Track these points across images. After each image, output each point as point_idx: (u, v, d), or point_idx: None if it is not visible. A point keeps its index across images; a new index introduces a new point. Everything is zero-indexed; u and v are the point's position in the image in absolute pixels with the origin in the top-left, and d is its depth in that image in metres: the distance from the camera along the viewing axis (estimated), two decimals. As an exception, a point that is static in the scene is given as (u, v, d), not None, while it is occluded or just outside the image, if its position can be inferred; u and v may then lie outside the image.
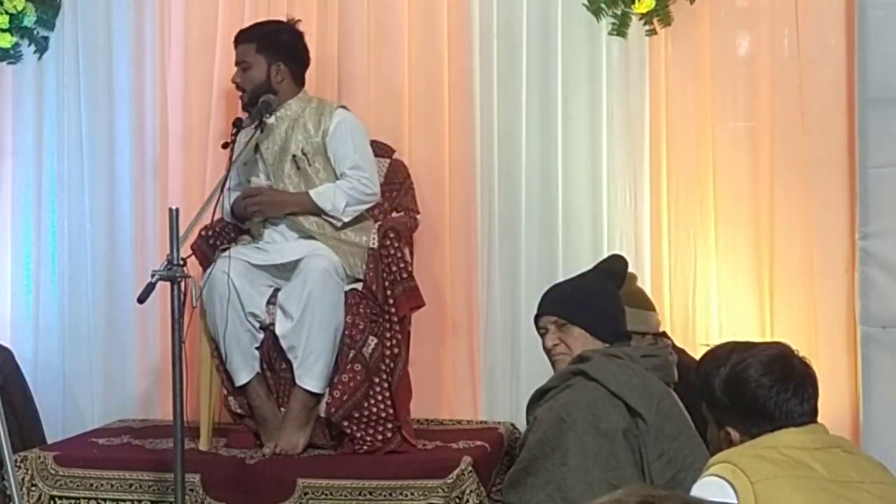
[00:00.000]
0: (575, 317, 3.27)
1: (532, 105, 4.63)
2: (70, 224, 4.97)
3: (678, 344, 3.93)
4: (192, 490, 3.92)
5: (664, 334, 3.87)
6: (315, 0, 4.78)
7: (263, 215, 4.28)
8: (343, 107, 4.41)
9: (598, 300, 3.33)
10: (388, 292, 4.17)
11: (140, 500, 4.02)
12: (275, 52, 4.32)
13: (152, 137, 4.93)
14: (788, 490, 2.22)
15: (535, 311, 3.40)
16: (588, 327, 3.26)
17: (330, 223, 4.25)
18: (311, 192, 4.25)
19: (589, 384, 3.07)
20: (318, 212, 4.24)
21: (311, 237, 4.25)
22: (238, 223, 4.41)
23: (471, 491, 3.84)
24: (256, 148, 4.34)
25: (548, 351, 3.32)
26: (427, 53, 4.74)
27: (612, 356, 3.15)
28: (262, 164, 4.35)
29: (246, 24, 4.77)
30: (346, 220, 4.24)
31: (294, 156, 4.29)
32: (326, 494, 3.91)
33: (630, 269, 4.06)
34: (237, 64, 4.35)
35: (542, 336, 3.34)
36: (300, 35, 4.41)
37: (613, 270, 3.43)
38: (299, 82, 4.39)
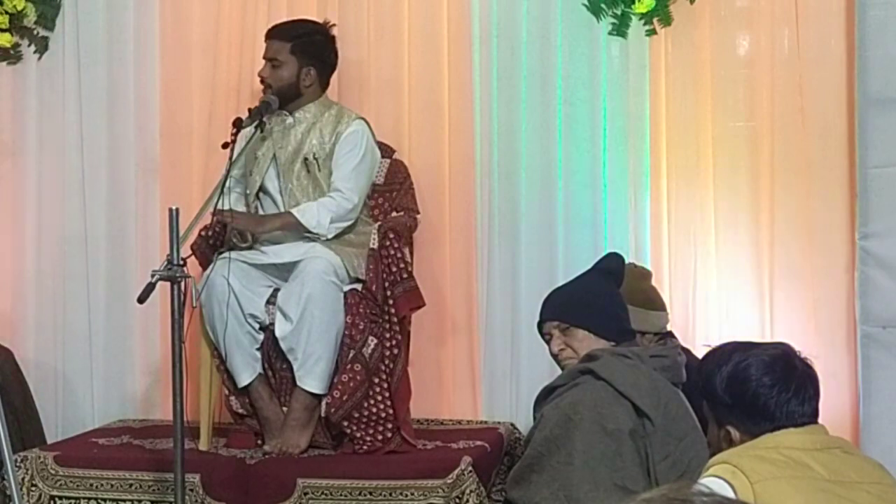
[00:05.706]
0: (577, 319, 3.26)
1: (532, 105, 4.63)
2: (70, 224, 4.96)
3: (682, 344, 3.91)
4: (192, 490, 3.92)
5: (670, 334, 3.84)
6: (315, 0, 4.78)
7: (244, 229, 4.18)
8: (362, 118, 4.36)
9: (599, 300, 3.32)
10: (388, 292, 4.17)
11: (140, 500, 4.02)
12: (307, 56, 4.28)
13: (152, 137, 4.92)
14: (788, 490, 2.23)
15: (535, 312, 3.40)
16: (591, 328, 3.25)
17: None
18: (294, 211, 4.20)
19: (597, 383, 3.07)
20: (302, 229, 4.19)
21: (313, 240, 4.25)
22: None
23: (471, 491, 3.84)
24: (258, 147, 4.35)
25: (555, 356, 3.31)
26: (427, 53, 4.73)
27: (621, 356, 3.15)
28: (275, 164, 4.32)
29: (246, 24, 4.78)
30: (331, 236, 4.20)
31: (306, 158, 4.27)
32: (326, 494, 3.91)
33: (647, 268, 4.09)
34: (267, 59, 4.28)
35: (548, 342, 3.33)
36: (333, 39, 4.38)
37: (611, 269, 3.42)
38: (324, 86, 4.36)
